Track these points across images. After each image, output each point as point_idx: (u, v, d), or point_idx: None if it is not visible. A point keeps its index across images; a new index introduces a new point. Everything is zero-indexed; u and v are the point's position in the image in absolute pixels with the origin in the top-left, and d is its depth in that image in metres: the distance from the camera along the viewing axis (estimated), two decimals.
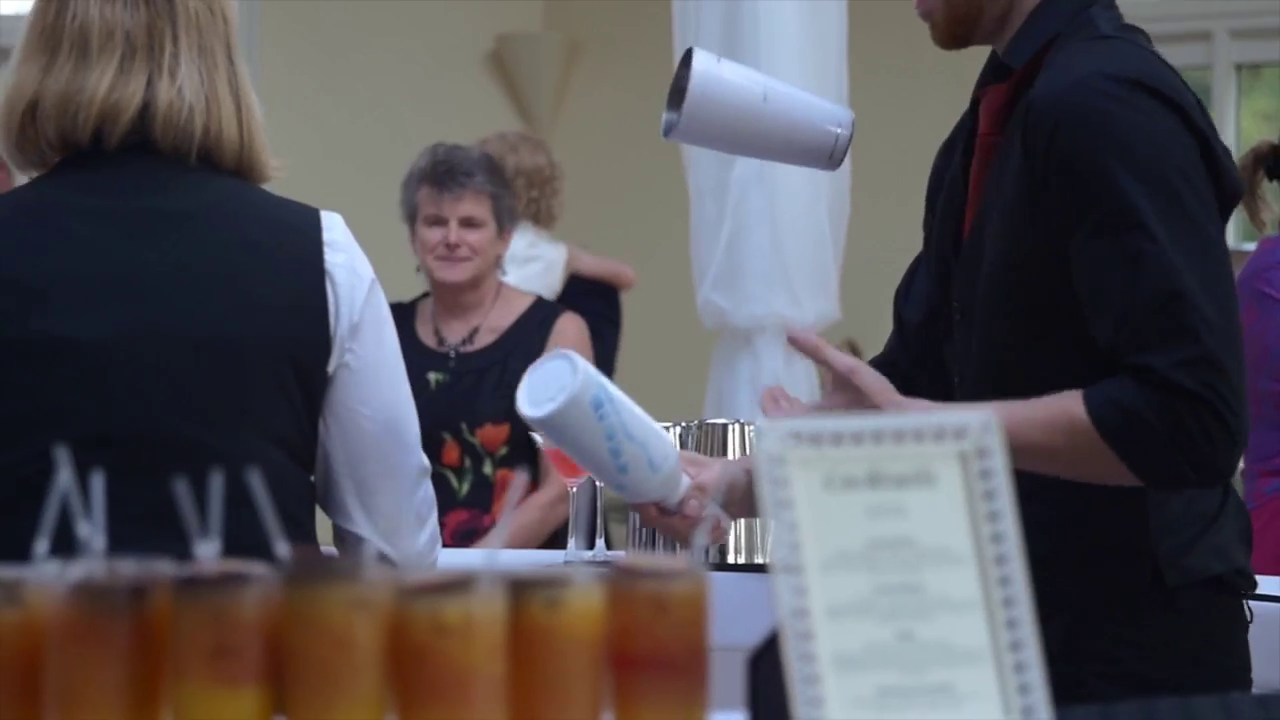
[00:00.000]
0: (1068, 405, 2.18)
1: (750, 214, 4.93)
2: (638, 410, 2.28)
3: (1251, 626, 2.39)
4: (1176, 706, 1.71)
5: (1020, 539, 1.46)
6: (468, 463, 4.62)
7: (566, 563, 3.31)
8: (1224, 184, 2.24)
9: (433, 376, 4.72)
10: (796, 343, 2.27)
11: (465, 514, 4.67)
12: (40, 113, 2.38)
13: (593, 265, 6.11)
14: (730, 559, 3.31)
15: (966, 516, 1.47)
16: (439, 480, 4.04)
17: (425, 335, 4.80)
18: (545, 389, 2.21)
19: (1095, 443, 2.16)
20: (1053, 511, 2.24)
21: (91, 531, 1.47)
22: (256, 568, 1.43)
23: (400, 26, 7.89)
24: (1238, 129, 7.82)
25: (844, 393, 2.27)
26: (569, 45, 8.28)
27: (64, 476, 1.47)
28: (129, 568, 1.43)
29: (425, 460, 2.52)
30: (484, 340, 4.80)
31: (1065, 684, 2.05)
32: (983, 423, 1.49)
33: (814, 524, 1.45)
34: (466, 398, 4.70)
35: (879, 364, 2.52)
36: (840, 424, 1.47)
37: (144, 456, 2.28)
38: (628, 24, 7.92)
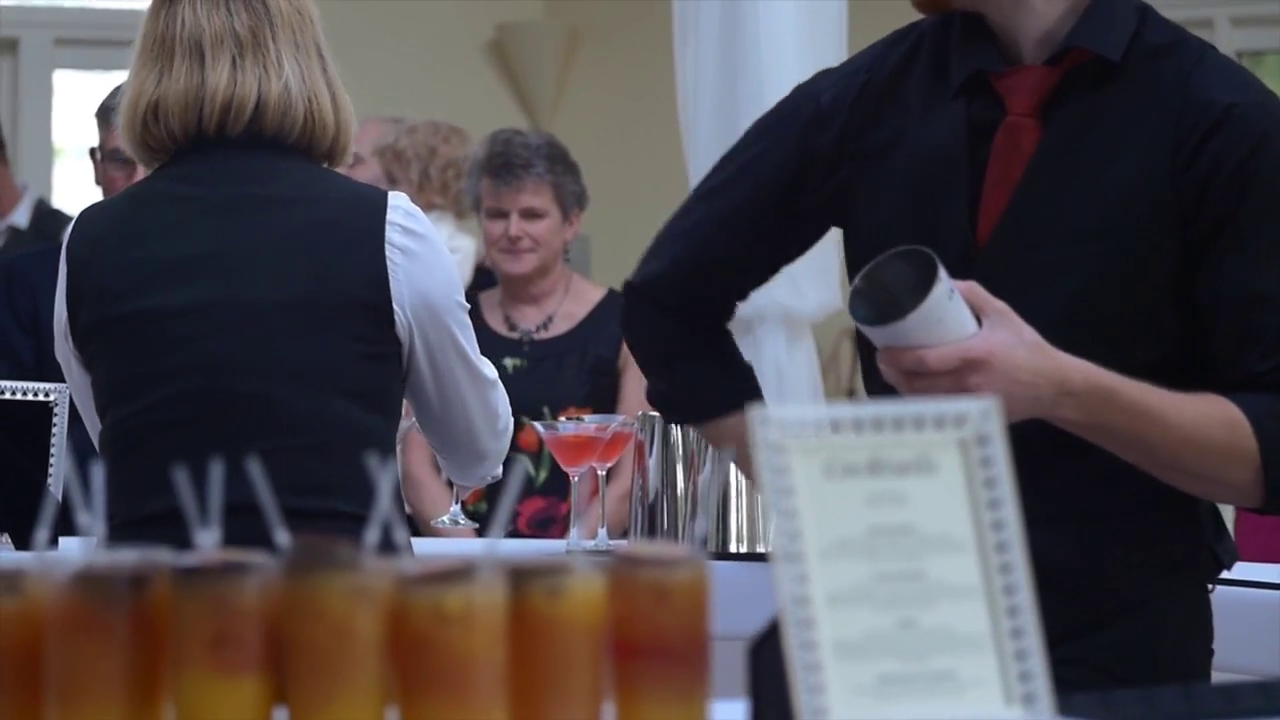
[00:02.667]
0: (1220, 404, 2.13)
1: None
2: None
3: (1245, 615, 2.40)
4: (1179, 694, 1.71)
5: (1021, 526, 1.46)
6: (546, 449, 4.31)
7: (568, 551, 3.31)
8: None
9: (509, 362, 4.64)
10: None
11: (542, 502, 4.59)
12: (163, 111, 2.72)
13: None
14: (731, 547, 3.31)
15: (967, 504, 1.47)
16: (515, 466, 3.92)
17: (495, 323, 4.74)
18: None
19: (1248, 448, 2.12)
20: (1120, 495, 2.22)
21: (92, 521, 1.47)
22: (256, 557, 1.43)
23: (400, 16, 7.88)
24: None
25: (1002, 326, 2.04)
26: (569, 34, 8.27)
27: (61, 467, 1.47)
28: (129, 557, 1.42)
29: (492, 372, 2.82)
30: (561, 327, 4.74)
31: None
32: (983, 410, 1.49)
33: (815, 512, 1.45)
34: (548, 381, 4.62)
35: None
36: (841, 412, 1.47)
37: (231, 410, 2.60)
38: (628, 13, 7.91)
